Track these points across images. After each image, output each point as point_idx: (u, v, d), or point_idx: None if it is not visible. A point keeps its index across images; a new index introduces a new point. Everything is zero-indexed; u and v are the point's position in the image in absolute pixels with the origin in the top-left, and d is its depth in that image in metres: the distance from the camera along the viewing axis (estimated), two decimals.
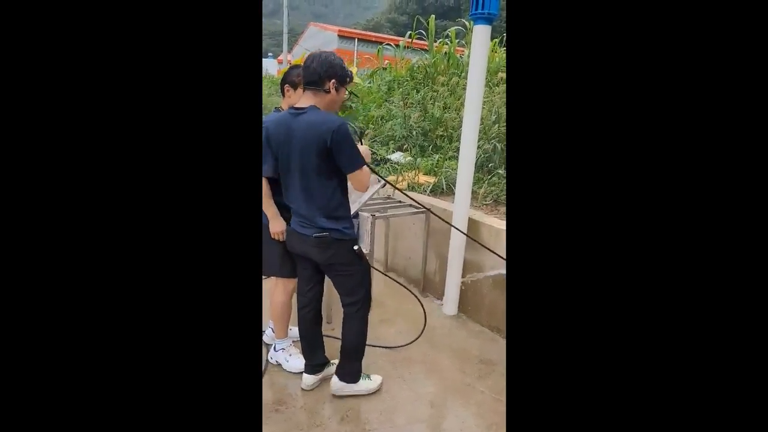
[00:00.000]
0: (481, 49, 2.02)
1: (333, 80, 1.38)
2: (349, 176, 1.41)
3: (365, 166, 1.41)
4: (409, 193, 2.88)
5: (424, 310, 2.04)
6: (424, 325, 1.98)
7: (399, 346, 2.06)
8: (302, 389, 1.74)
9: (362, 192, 1.49)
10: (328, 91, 1.39)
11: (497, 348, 2.14)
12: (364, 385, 1.71)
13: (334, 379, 1.69)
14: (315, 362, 1.72)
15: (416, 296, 1.99)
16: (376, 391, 1.76)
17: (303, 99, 1.42)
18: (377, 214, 2.42)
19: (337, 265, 1.55)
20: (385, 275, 2.32)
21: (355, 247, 1.52)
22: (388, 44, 6.43)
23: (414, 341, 2.00)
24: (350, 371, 1.67)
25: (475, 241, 2.25)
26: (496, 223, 2.29)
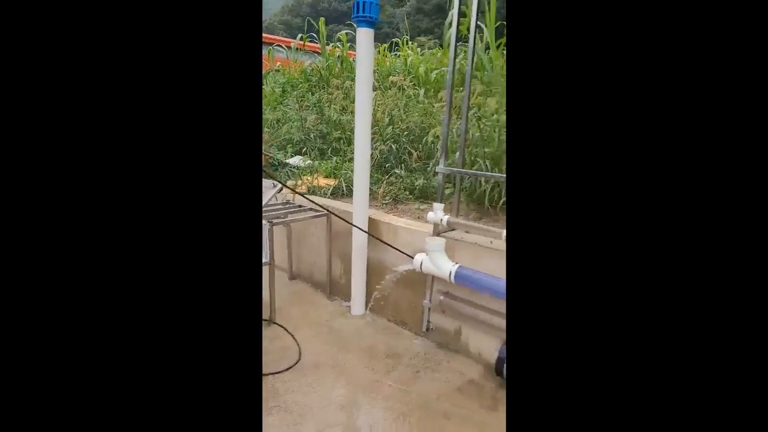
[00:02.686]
0: (366, 51, 2.07)
1: None
2: None
3: None
4: (309, 197, 2.84)
5: (297, 342, 2.01)
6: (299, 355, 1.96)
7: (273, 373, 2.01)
8: None
9: None
10: None
11: (403, 341, 2.22)
12: None
13: None
14: None
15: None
16: (283, 405, 1.69)
17: None
18: (275, 221, 2.33)
19: None
20: None
21: None
22: (279, 45, 6.24)
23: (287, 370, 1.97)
24: None
25: (373, 236, 2.30)
26: (394, 221, 2.37)
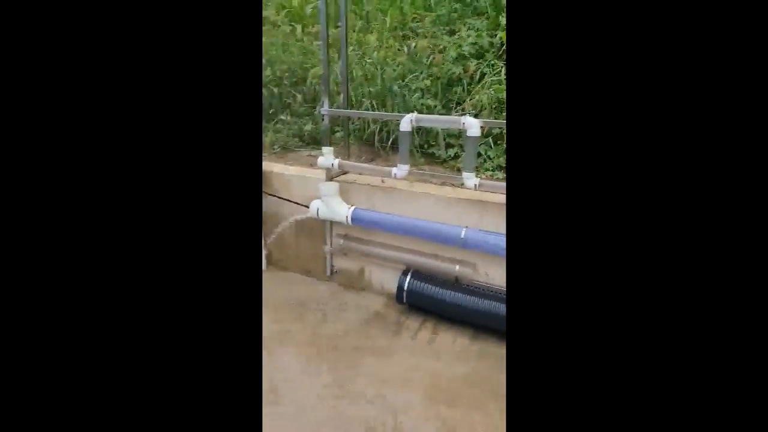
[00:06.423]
0: None
1: None
2: None
3: None
4: None
5: None
6: None
7: None
8: None
9: None
10: None
11: (308, 288, 2.24)
12: None
13: None
14: None
15: None
16: None
17: None
18: None
19: None
20: None
21: None
22: None
23: None
24: None
25: (266, 193, 2.19)
26: (286, 170, 2.28)
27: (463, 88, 2.42)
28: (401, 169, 1.88)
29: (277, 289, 2.23)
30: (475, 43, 2.46)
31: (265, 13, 3.38)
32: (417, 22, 2.87)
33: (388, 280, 2.17)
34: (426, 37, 2.68)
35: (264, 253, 2.41)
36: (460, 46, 2.49)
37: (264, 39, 3.20)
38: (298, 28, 3.29)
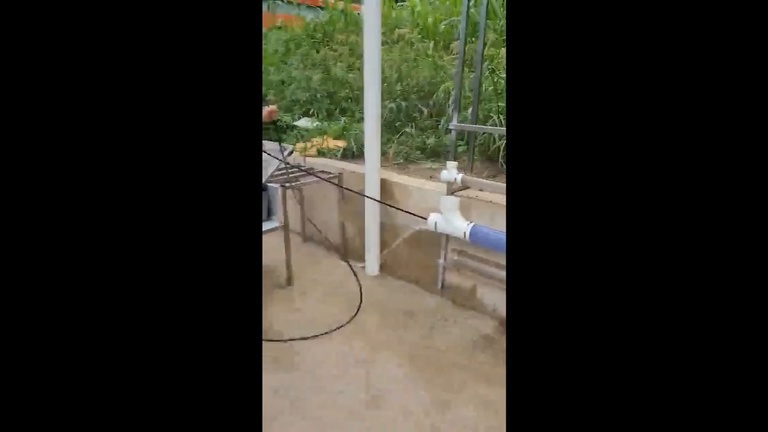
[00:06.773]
0: (374, 3, 1.96)
1: None
2: None
3: None
4: (320, 159, 2.81)
5: (360, 286, 2.04)
6: (360, 300, 2.00)
7: (330, 331, 2.06)
8: None
9: None
10: None
11: (418, 299, 2.26)
12: None
13: None
14: None
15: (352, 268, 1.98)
16: (301, 366, 1.77)
17: None
18: (287, 185, 2.32)
19: None
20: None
21: None
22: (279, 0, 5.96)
23: (352, 319, 2.03)
24: None
25: (386, 204, 2.29)
26: (407, 181, 2.35)
27: None
28: None
29: (387, 296, 2.29)
30: None
31: (399, 31, 3.56)
32: None
33: (500, 303, 2.07)
34: None
35: (378, 258, 2.51)
36: None
37: (396, 55, 3.37)
38: (430, 44, 3.39)
